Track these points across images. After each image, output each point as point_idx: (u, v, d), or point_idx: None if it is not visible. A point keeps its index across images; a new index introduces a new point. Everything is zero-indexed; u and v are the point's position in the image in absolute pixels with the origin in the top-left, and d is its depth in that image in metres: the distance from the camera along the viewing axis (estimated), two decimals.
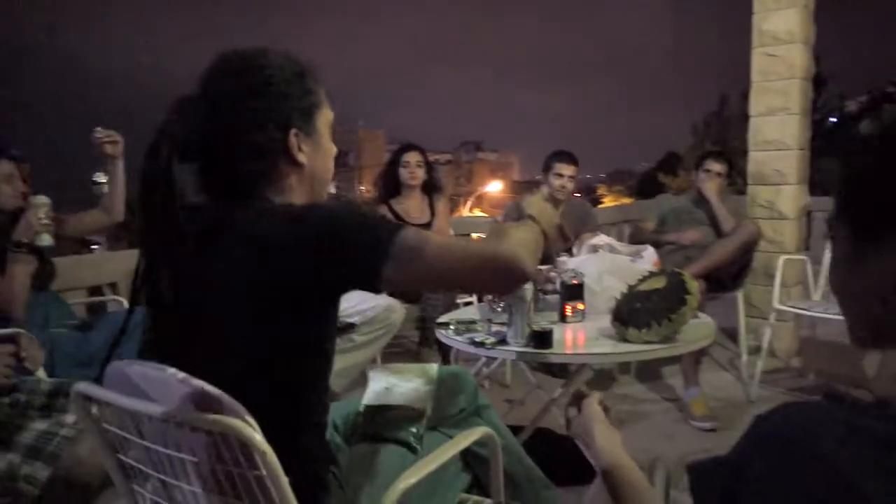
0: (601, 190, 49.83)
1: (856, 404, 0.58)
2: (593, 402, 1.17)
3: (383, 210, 3.71)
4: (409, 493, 1.18)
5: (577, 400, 1.19)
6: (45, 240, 2.14)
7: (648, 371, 3.68)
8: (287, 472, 0.91)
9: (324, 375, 1.16)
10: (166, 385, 0.90)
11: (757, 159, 4.01)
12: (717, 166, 3.63)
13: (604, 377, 3.65)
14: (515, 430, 2.17)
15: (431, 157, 3.84)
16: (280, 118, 1.14)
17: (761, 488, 0.59)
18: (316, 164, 1.20)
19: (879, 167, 0.62)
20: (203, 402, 0.86)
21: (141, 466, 1.03)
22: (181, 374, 0.88)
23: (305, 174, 1.19)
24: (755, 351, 3.63)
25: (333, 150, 1.26)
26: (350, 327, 2.52)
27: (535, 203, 1.36)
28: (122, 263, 3.16)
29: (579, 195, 4.75)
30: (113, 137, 2.54)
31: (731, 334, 3.85)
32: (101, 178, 2.41)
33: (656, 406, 3.24)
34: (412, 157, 3.66)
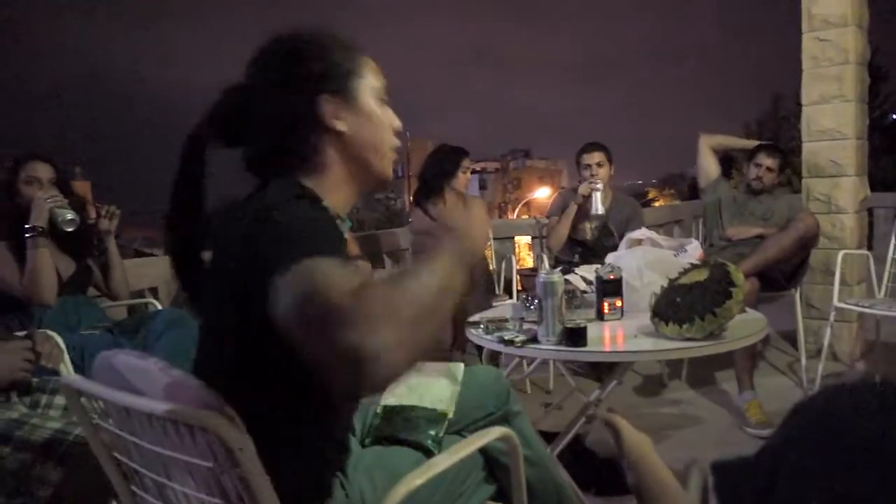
0: (652, 193, 48.33)
1: None
2: (617, 417, 1.06)
3: (417, 213, 3.67)
4: (421, 498, 1.10)
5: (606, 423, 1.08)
6: (67, 216, 2.10)
7: (700, 376, 3.50)
8: (283, 475, 0.84)
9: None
10: (149, 375, 0.84)
11: (811, 150, 3.79)
12: (768, 160, 3.46)
13: (653, 382, 3.49)
14: (552, 436, 2.07)
15: (479, 166, 3.96)
16: (306, 84, 1.03)
17: (802, 478, 0.50)
18: (363, 134, 1.06)
19: None
20: (180, 393, 0.79)
21: (132, 464, 0.98)
22: (161, 363, 0.82)
23: (349, 144, 1.06)
24: (815, 354, 3.43)
25: (393, 121, 1.12)
26: None
27: (474, 211, 1.01)
28: (163, 269, 3.18)
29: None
30: (112, 212, 2.56)
31: (790, 337, 3.64)
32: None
33: (708, 412, 3.07)
34: (467, 163, 3.70)
